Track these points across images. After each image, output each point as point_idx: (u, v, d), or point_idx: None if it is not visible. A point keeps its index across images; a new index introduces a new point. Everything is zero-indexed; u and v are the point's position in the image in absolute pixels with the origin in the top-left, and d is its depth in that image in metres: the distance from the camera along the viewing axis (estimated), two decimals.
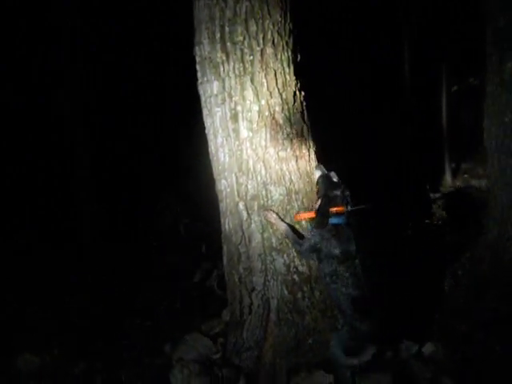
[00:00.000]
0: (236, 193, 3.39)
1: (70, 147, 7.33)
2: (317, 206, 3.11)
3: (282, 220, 3.27)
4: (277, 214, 3.27)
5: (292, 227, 3.26)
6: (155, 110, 8.21)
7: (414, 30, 8.76)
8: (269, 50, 3.24)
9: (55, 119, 7.38)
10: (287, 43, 3.31)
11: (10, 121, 7.21)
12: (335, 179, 3.13)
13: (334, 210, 3.02)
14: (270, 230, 3.33)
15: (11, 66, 7.06)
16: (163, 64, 7.97)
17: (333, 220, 3.02)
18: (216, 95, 3.33)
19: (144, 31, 7.86)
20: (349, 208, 3.04)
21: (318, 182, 3.18)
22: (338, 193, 3.05)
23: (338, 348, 3.05)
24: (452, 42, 8.76)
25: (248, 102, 3.26)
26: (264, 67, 3.24)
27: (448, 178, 9.47)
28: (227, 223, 3.52)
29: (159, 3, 7.59)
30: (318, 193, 3.17)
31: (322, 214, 3.05)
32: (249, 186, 3.35)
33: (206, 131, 3.52)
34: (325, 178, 3.14)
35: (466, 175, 9.95)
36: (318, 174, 3.20)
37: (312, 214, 3.16)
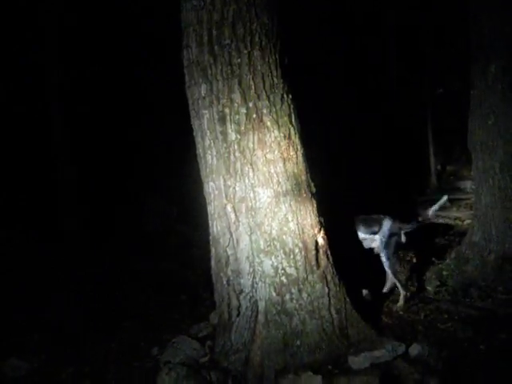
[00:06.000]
0: (224, 195, 3.40)
1: (55, 146, 7.26)
2: None
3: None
4: None
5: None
6: (144, 110, 8.16)
7: (399, 34, 8.85)
8: (256, 53, 3.26)
9: (40, 119, 7.31)
10: (274, 46, 3.33)
11: None
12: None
13: None
14: (258, 233, 3.34)
15: None
16: (153, 65, 7.94)
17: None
18: (204, 98, 3.34)
19: (131, 33, 7.83)
20: None
21: None
22: None
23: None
24: (437, 46, 8.86)
25: (236, 104, 3.28)
26: (251, 70, 3.26)
27: (433, 179, 9.59)
28: (215, 226, 3.52)
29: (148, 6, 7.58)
30: None
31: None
32: (237, 189, 3.35)
33: (194, 133, 3.52)
34: None
35: (451, 177, 10.07)
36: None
37: None
